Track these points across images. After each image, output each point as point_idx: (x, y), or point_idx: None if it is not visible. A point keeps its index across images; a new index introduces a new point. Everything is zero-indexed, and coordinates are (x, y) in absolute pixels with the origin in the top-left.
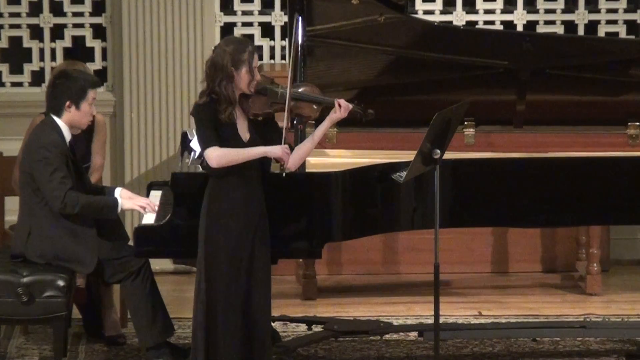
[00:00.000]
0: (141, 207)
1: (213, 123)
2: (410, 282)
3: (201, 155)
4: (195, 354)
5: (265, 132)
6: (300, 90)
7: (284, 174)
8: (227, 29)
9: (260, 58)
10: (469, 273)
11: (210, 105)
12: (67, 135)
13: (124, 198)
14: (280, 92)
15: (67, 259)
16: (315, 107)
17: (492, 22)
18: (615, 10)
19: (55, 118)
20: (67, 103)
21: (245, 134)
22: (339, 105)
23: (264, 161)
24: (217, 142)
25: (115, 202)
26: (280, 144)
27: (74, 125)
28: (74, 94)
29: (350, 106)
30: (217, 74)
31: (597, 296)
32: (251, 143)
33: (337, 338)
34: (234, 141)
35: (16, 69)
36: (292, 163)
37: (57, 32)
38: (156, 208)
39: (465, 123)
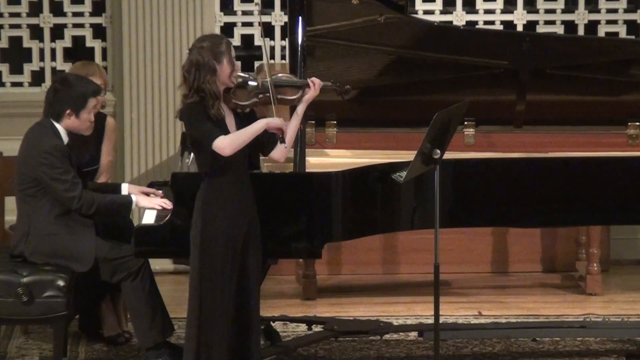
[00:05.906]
0: (159, 205)
1: (207, 119)
2: (410, 282)
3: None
4: (187, 354)
5: (250, 125)
6: (279, 76)
7: (285, 146)
8: (227, 29)
9: (260, 58)
10: (469, 273)
11: (200, 103)
12: (65, 139)
13: (136, 194)
14: (260, 81)
15: (64, 256)
16: (296, 89)
17: (492, 22)
18: (615, 10)
19: (54, 122)
20: (68, 111)
21: (233, 129)
22: (313, 83)
23: (252, 160)
24: (219, 132)
25: (129, 200)
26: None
27: (73, 131)
28: (75, 103)
29: (322, 83)
30: (199, 72)
31: (597, 296)
32: None
33: (337, 338)
34: None
35: (16, 69)
36: (287, 140)
37: (57, 32)
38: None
39: (465, 123)
